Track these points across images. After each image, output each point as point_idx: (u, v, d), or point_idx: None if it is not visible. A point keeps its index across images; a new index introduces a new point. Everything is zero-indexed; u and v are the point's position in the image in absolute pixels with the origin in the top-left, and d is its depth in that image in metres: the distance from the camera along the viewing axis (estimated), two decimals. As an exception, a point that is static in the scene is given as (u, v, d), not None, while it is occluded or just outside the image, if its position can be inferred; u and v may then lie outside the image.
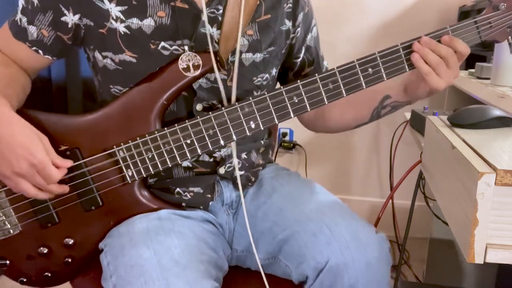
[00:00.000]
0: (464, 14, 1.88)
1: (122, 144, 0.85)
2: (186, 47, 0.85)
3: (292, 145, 2.21)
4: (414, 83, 0.90)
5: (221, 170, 0.94)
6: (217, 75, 0.87)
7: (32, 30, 0.88)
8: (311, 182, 1.01)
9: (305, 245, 0.86)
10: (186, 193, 0.92)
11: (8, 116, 0.78)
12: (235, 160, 0.92)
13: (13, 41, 0.89)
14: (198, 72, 0.85)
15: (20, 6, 0.88)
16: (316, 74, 0.85)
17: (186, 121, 0.85)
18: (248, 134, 0.86)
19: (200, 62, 0.85)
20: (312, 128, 1.11)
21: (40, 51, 0.89)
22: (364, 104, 0.99)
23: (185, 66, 0.85)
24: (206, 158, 0.93)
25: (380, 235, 0.88)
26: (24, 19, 0.87)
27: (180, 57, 0.85)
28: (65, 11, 0.85)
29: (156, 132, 0.85)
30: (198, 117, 0.85)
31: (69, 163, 0.83)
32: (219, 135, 0.85)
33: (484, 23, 0.87)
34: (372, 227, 0.88)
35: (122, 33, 0.85)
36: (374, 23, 2.06)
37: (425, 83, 0.86)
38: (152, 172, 0.86)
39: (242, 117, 0.85)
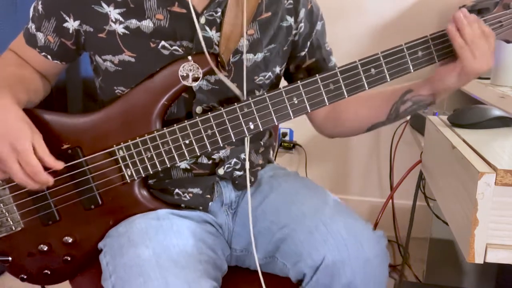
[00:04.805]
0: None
1: (121, 143, 0.86)
2: (189, 57, 0.85)
3: (292, 145, 2.21)
4: (441, 70, 0.86)
5: (220, 171, 0.94)
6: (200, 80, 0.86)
7: (40, 37, 0.90)
8: (309, 181, 1.01)
9: (301, 243, 0.86)
10: (185, 194, 0.92)
11: (7, 105, 0.80)
12: (247, 151, 0.92)
13: (26, 47, 0.92)
14: (195, 84, 0.85)
15: (30, 14, 0.91)
16: (317, 74, 0.85)
17: (185, 121, 0.85)
18: (247, 135, 0.86)
19: (200, 76, 0.85)
20: (324, 132, 1.07)
21: (49, 57, 0.92)
22: (382, 98, 0.94)
23: (185, 75, 0.85)
24: (204, 160, 0.93)
25: (378, 232, 0.87)
26: (33, 26, 0.90)
27: (182, 65, 0.85)
28: (66, 18, 0.87)
29: (155, 132, 0.85)
30: (197, 117, 0.85)
31: (60, 165, 0.81)
32: (217, 135, 0.85)
33: (494, 21, 0.85)
34: (369, 224, 0.88)
35: (121, 33, 0.85)
36: (374, 23, 2.06)
37: (455, 65, 0.83)
38: (151, 172, 0.86)
39: (241, 118, 0.85)
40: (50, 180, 0.80)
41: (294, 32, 0.97)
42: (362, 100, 0.96)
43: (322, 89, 0.85)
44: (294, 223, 0.88)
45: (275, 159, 1.16)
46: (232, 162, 0.95)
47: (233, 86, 0.88)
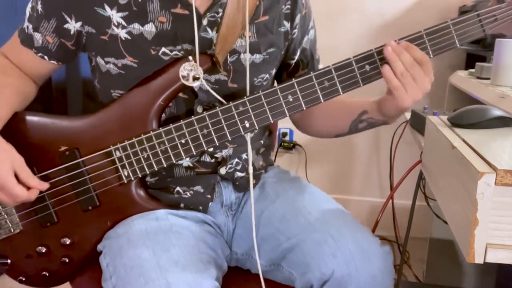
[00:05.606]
0: (464, 14, 1.87)
1: (118, 143, 0.85)
2: (190, 57, 0.84)
3: (292, 145, 2.20)
4: (384, 99, 0.88)
5: (222, 171, 0.94)
6: (201, 82, 0.86)
7: (38, 37, 0.89)
8: (314, 188, 1.01)
9: (310, 255, 0.86)
10: (186, 192, 0.92)
11: None
12: (249, 153, 0.91)
13: (21, 48, 0.91)
14: (195, 83, 0.85)
15: (27, 14, 0.90)
16: (311, 72, 0.85)
17: (181, 120, 0.85)
18: (243, 133, 0.86)
19: (201, 75, 0.85)
20: (301, 130, 1.11)
21: (46, 57, 0.91)
22: (342, 116, 0.98)
23: (185, 74, 0.85)
24: (207, 158, 0.93)
25: (384, 247, 0.87)
26: (30, 26, 0.89)
27: (183, 65, 0.84)
28: (68, 19, 0.86)
29: (151, 132, 0.85)
30: (193, 116, 0.85)
31: (45, 186, 0.84)
32: (213, 134, 0.85)
33: (487, 15, 0.84)
34: (377, 238, 0.88)
35: (123, 39, 0.85)
36: (374, 23, 2.06)
37: (392, 99, 0.84)
38: (148, 172, 0.86)
39: (236, 117, 0.85)
40: (33, 195, 0.83)
41: (289, 37, 0.97)
42: (327, 113, 0.99)
43: (316, 86, 0.84)
44: (302, 233, 0.88)
45: (275, 160, 1.16)
46: (234, 163, 0.95)
47: (213, 93, 0.88)
